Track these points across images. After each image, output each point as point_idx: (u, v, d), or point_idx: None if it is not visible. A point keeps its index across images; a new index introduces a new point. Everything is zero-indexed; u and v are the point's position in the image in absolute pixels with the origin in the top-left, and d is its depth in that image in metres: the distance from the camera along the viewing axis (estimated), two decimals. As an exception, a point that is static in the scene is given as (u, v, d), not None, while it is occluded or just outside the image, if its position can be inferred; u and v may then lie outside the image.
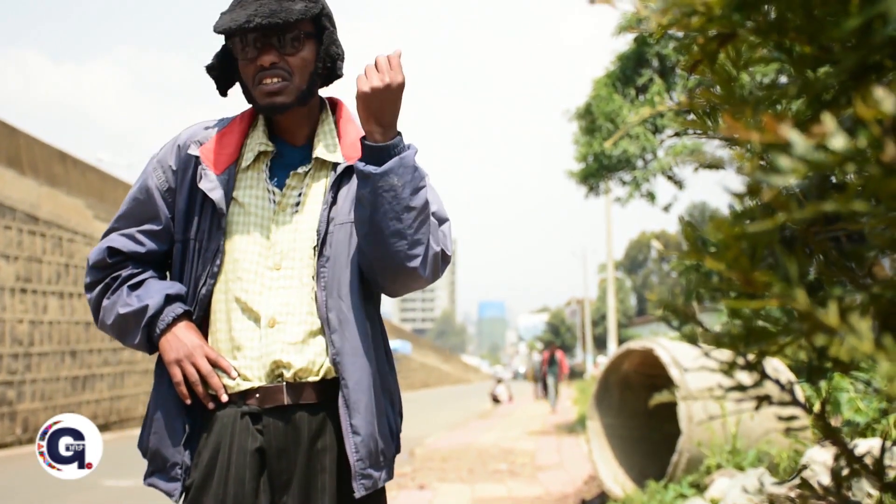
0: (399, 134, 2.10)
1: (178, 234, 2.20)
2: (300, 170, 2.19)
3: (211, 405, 2.12)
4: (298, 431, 2.10)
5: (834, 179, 0.99)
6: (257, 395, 2.10)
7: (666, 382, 6.93)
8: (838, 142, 0.73)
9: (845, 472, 1.08)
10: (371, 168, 2.02)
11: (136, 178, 2.33)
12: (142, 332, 2.14)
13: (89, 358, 17.35)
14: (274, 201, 2.18)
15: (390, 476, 2.20)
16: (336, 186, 2.17)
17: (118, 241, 2.21)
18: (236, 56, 2.14)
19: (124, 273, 2.20)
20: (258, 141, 2.20)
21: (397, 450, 2.27)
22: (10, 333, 14.88)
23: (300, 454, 2.09)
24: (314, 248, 2.15)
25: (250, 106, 2.25)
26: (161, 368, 2.17)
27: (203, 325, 2.20)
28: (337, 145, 2.21)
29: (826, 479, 1.13)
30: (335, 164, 2.20)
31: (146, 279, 2.20)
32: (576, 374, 51.26)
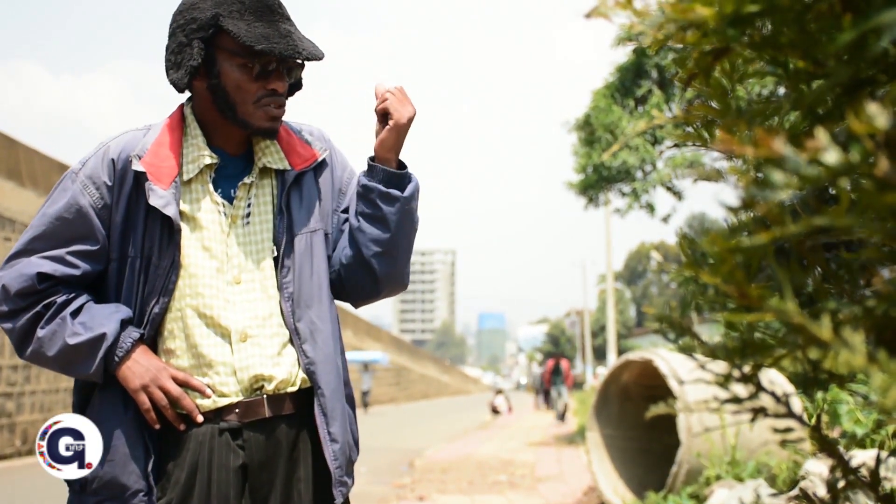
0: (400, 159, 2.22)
1: (114, 253, 2.08)
2: (247, 180, 2.15)
3: (182, 426, 2.05)
4: (279, 443, 2.09)
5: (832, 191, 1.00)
6: (237, 410, 2.07)
7: (665, 393, 6.93)
8: (832, 156, 0.74)
9: (841, 484, 1.09)
10: (397, 192, 2.15)
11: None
12: (99, 361, 2.01)
13: (88, 369, 17.34)
14: (224, 214, 2.13)
15: (353, 482, 2.21)
16: (287, 196, 2.16)
17: (47, 266, 2.04)
18: (229, 67, 2.06)
19: (59, 299, 2.05)
20: (200, 152, 2.12)
21: (357, 454, 2.27)
22: (9, 345, 14.86)
23: (280, 466, 2.08)
24: (273, 259, 2.14)
25: (178, 107, 2.20)
26: (101, 392, 2.08)
27: (151, 345, 2.12)
28: (281, 153, 2.20)
29: (823, 491, 1.13)
30: (279, 173, 2.18)
31: (84, 304, 2.07)
32: (576, 384, 51.17)
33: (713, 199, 0.89)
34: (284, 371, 2.10)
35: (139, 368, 2.03)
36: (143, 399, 2.02)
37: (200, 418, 2.05)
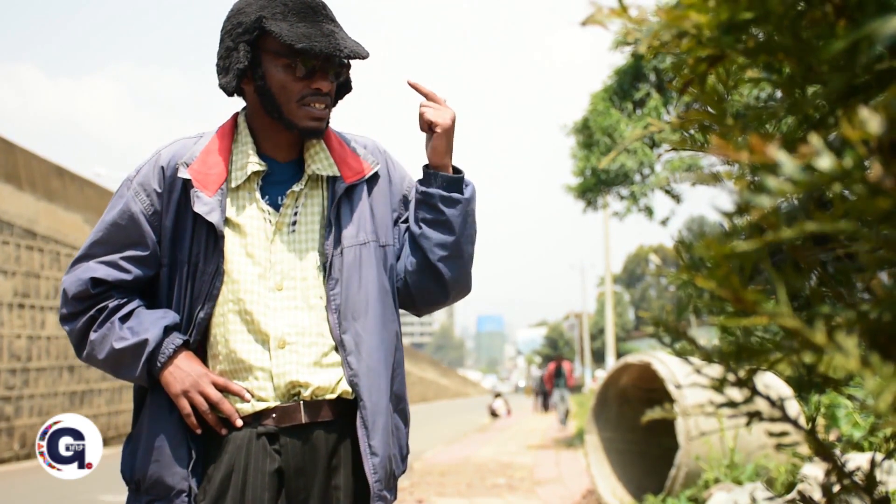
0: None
1: (165, 259, 2.14)
2: (295, 188, 2.17)
3: (224, 431, 2.08)
4: (316, 450, 2.09)
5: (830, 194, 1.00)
6: (274, 415, 2.08)
7: (664, 396, 6.94)
8: (825, 162, 0.74)
9: (836, 487, 1.09)
10: (458, 195, 2.22)
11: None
12: (142, 366, 2.06)
13: (87, 373, 17.31)
14: (270, 221, 2.15)
15: (395, 497, 2.21)
16: (337, 208, 2.17)
17: (101, 270, 2.12)
18: (274, 68, 2.08)
19: (111, 304, 2.12)
20: (248, 160, 2.15)
21: (405, 470, 2.27)
22: (7, 349, 14.85)
23: (318, 472, 2.08)
24: (318, 268, 2.15)
25: (231, 116, 2.24)
26: (152, 394, 2.12)
27: (199, 349, 2.16)
28: (331, 161, 2.21)
29: (820, 495, 1.14)
30: (331, 183, 2.20)
31: (135, 309, 2.13)
32: (575, 388, 51.11)
33: (712, 203, 0.90)
34: (322, 379, 2.10)
35: (180, 374, 2.06)
36: (184, 404, 2.05)
37: (240, 422, 2.07)
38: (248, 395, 2.08)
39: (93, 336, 2.12)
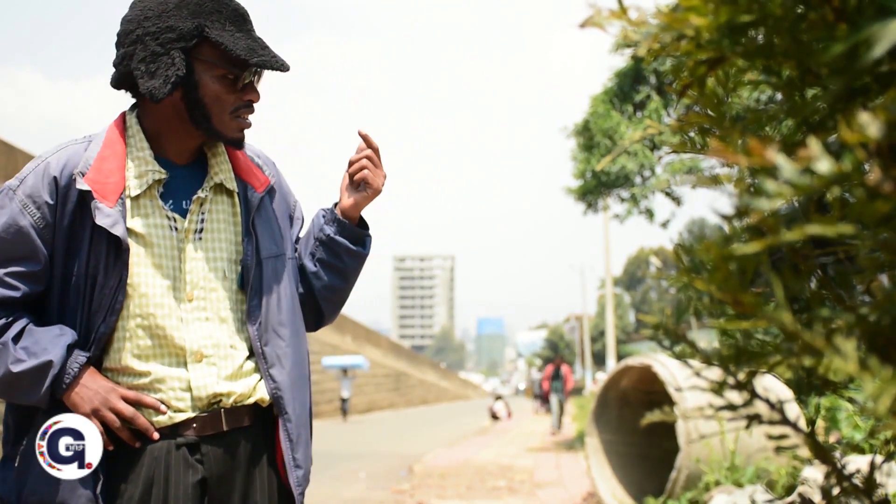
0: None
1: (57, 272, 1.98)
2: (201, 194, 2.10)
3: (137, 444, 1.98)
4: (236, 456, 2.05)
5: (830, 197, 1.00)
6: (195, 425, 2.01)
7: (664, 399, 6.94)
8: (824, 165, 0.74)
9: (836, 490, 1.09)
10: (360, 249, 2.32)
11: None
12: (46, 389, 1.92)
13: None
14: (176, 228, 2.06)
15: None
16: (251, 219, 2.14)
17: None
18: (209, 78, 2.01)
19: None
20: (147, 166, 2.05)
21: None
22: (8, 351, 14.85)
23: (238, 478, 2.05)
24: (228, 279, 2.10)
25: (118, 116, 2.13)
26: (46, 414, 1.96)
27: (97, 364, 2.02)
28: (231, 171, 2.18)
29: (819, 498, 1.14)
30: (241, 192, 2.16)
31: (25, 327, 1.97)
32: (575, 390, 51.14)
33: (712, 206, 0.90)
34: (242, 386, 2.07)
35: (88, 393, 1.96)
36: (95, 422, 1.95)
37: (157, 436, 1.99)
38: (163, 408, 1.99)
39: None
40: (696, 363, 1.07)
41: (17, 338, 1.95)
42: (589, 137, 16.28)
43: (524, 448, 16.78)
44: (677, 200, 16.70)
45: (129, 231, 2.00)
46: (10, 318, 1.96)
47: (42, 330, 1.97)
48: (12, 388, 1.96)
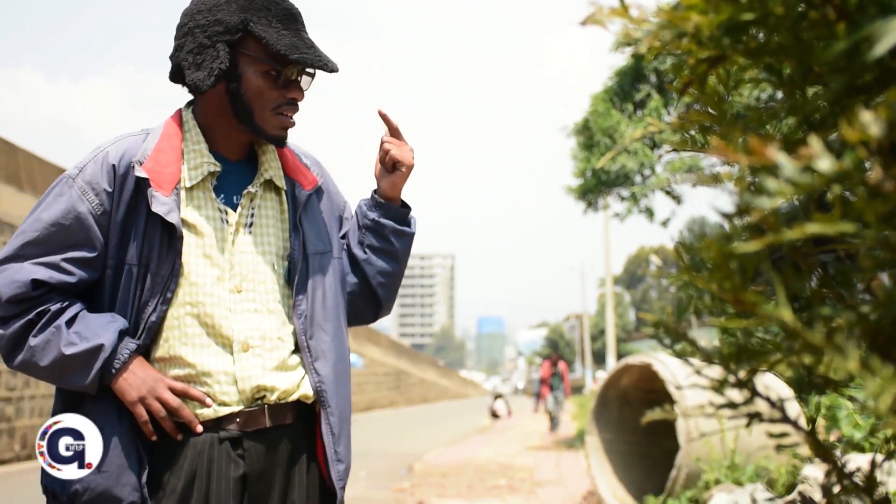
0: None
1: (111, 260, 2.02)
2: (251, 189, 2.14)
3: (180, 437, 2.01)
4: (277, 453, 2.07)
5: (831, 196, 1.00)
6: (238, 420, 2.04)
7: (664, 397, 6.94)
8: (825, 164, 0.74)
9: (836, 488, 1.09)
10: (408, 229, 2.35)
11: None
12: (95, 373, 1.95)
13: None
14: (227, 221, 2.11)
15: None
16: (299, 214, 2.20)
17: (41, 272, 1.98)
18: (253, 74, 2.05)
19: (52, 307, 1.98)
20: (202, 158, 2.10)
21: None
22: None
23: (278, 476, 2.07)
24: (276, 273, 2.14)
25: (175, 112, 2.18)
26: (95, 401, 2.01)
27: (146, 354, 2.06)
28: (280, 168, 2.23)
29: (819, 496, 1.14)
30: (289, 188, 2.21)
31: (79, 313, 2.00)
32: (575, 389, 51.16)
33: (712, 204, 0.90)
34: (287, 381, 2.09)
35: (136, 380, 1.98)
36: (141, 411, 1.97)
37: (200, 429, 2.01)
38: (209, 401, 2.02)
39: (33, 341, 1.98)
40: (696, 361, 1.07)
41: (70, 322, 1.99)
42: (589, 136, 16.28)
43: (524, 446, 16.79)
44: (678, 199, 16.69)
45: (182, 221, 2.05)
46: (66, 304, 2.01)
47: (95, 316, 2.01)
48: (63, 372, 1.98)
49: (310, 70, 2.09)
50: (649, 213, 16.88)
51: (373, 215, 2.30)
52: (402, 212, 2.34)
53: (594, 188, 16.81)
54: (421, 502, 9.03)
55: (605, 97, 16.32)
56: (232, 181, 2.15)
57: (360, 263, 2.31)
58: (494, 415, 29.92)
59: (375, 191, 2.34)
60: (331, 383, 2.13)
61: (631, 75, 16.27)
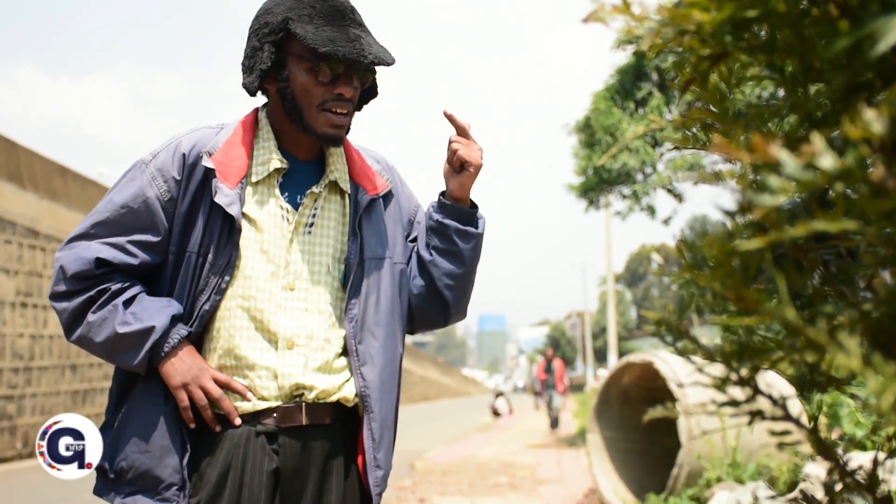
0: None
1: (173, 246, 2.10)
2: (315, 189, 2.16)
3: (218, 428, 2.05)
4: (312, 452, 2.08)
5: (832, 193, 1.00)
6: (275, 415, 2.06)
7: (666, 395, 6.93)
8: (827, 161, 0.74)
9: (838, 486, 1.09)
10: (473, 229, 2.28)
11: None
12: (145, 353, 2.01)
13: (89, 372, 17.32)
14: (288, 219, 2.14)
15: None
16: (359, 218, 2.19)
17: (106, 252, 2.06)
18: (297, 71, 2.07)
19: (113, 286, 2.06)
20: (270, 156, 2.14)
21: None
22: (10, 348, 14.85)
23: (312, 475, 2.08)
24: (331, 275, 2.15)
25: (252, 111, 2.23)
26: (144, 383, 2.07)
27: (198, 342, 2.13)
28: (346, 171, 2.23)
29: (821, 494, 1.14)
30: (353, 191, 2.21)
31: (137, 294, 2.08)
32: (576, 387, 51.16)
33: (714, 202, 0.90)
34: (326, 382, 2.10)
35: (182, 366, 2.03)
36: (183, 396, 2.02)
37: (238, 421, 2.05)
38: (249, 395, 2.05)
39: (91, 317, 2.05)
40: (698, 359, 1.07)
41: (128, 302, 2.06)
42: (590, 134, 16.27)
43: (526, 445, 16.79)
44: (679, 197, 16.68)
45: (244, 215, 2.10)
46: (126, 284, 2.09)
47: (152, 299, 2.08)
48: (115, 350, 2.05)
49: (359, 64, 2.06)
50: (651, 210, 16.88)
51: (437, 216, 2.27)
52: (467, 212, 2.28)
53: (595, 186, 16.81)
54: (422, 500, 9.03)
55: (607, 95, 16.31)
56: (299, 180, 2.18)
57: (427, 265, 2.28)
58: (496, 413, 29.91)
59: (443, 192, 2.31)
60: (376, 389, 2.13)
61: (632, 73, 16.26)
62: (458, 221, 2.26)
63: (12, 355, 14.92)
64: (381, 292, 2.19)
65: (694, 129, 1.20)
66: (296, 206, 2.16)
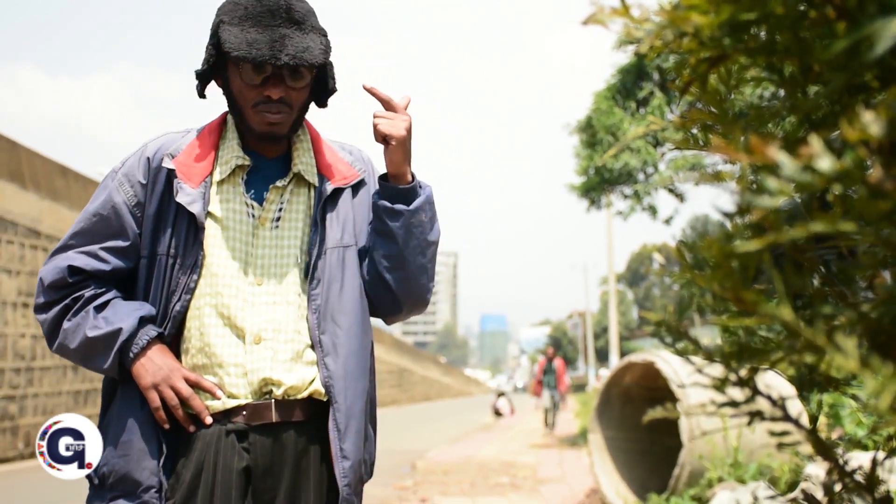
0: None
1: (144, 250, 2.11)
2: (279, 183, 2.16)
3: (192, 428, 2.06)
4: (285, 449, 2.07)
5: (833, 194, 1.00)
6: (244, 413, 2.06)
7: (667, 395, 6.93)
8: (825, 163, 0.74)
9: (838, 486, 1.10)
10: (402, 206, 2.15)
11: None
12: (114, 356, 2.04)
13: (91, 372, 17.31)
14: (253, 215, 2.14)
15: (360, 502, 2.19)
16: (322, 208, 2.18)
17: (79, 260, 2.10)
18: (232, 73, 2.08)
19: (87, 293, 2.10)
20: (233, 153, 2.15)
21: (370, 476, 2.25)
22: (12, 348, 14.86)
23: (286, 472, 2.06)
24: (298, 266, 2.14)
25: (221, 113, 2.23)
26: (123, 387, 2.09)
27: (173, 343, 2.14)
28: (314, 164, 2.22)
29: (821, 494, 1.14)
30: (320, 182, 2.19)
31: (111, 300, 2.11)
32: (578, 386, 51.16)
33: (714, 203, 0.90)
34: (296, 378, 2.08)
35: (152, 367, 2.04)
36: (154, 397, 2.02)
37: (209, 420, 2.05)
38: (219, 393, 2.06)
39: (66, 325, 2.09)
40: (698, 360, 1.08)
41: (101, 307, 2.09)
42: (592, 134, 16.27)
43: (527, 444, 16.79)
44: (680, 197, 16.69)
45: (209, 214, 2.12)
46: (101, 290, 2.12)
47: (125, 303, 2.11)
48: (88, 355, 2.08)
49: (287, 66, 2.02)
50: (652, 210, 16.89)
51: (373, 197, 2.23)
52: (397, 189, 2.17)
53: (597, 186, 16.82)
54: (424, 500, 9.03)
55: (608, 95, 16.31)
56: (266, 177, 2.18)
57: (370, 249, 2.23)
58: (497, 413, 29.91)
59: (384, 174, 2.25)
60: (339, 378, 2.10)
61: (634, 73, 16.27)
62: (388, 200, 2.17)
63: (14, 355, 14.92)
64: (346, 281, 2.16)
65: (694, 130, 1.20)
66: (262, 203, 2.16)
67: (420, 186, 2.21)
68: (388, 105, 2.18)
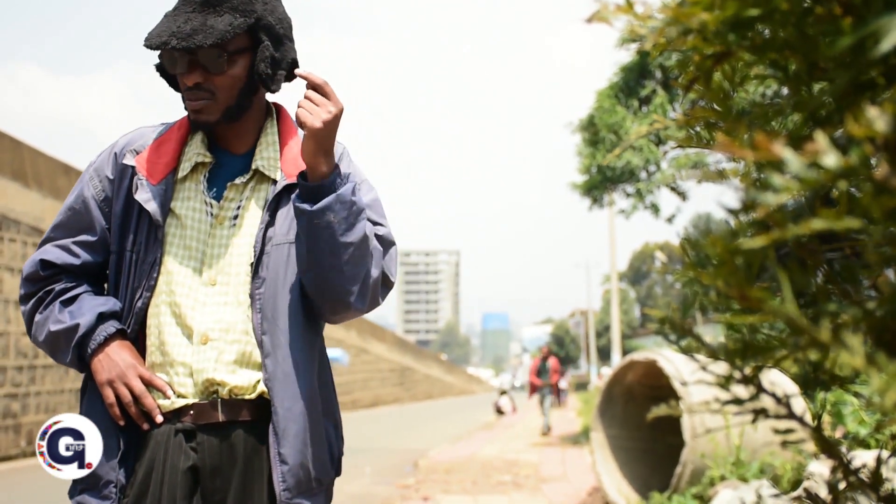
0: (337, 167, 2.04)
1: (113, 246, 2.11)
2: (237, 181, 2.11)
3: (145, 426, 2.04)
4: (234, 450, 2.03)
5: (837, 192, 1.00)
6: (191, 412, 2.03)
7: (669, 394, 6.93)
8: (831, 159, 0.74)
9: (842, 485, 1.09)
10: (306, 206, 1.97)
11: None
12: (72, 351, 2.05)
13: (93, 370, 17.32)
14: (211, 214, 2.11)
15: (328, 499, 2.15)
16: (275, 204, 2.10)
17: (52, 253, 2.11)
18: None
19: (57, 287, 2.11)
20: (196, 150, 2.12)
21: (337, 473, 2.18)
22: (14, 346, 14.87)
23: (235, 474, 2.02)
24: (250, 265, 2.08)
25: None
26: (91, 383, 2.08)
27: (138, 340, 2.12)
28: (277, 159, 2.15)
29: (826, 492, 1.14)
30: (275, 180, 2.13)
31: (80, 294, 2.11)
32: (580, 385, 51.16)
33: (718, 200, 0.90)
34: (240, 379, 2.05)
35: (108, 363, 2.03)
36: (108, 393, 2.02)
37: (160, 418, 2.03)
38: (169, 391, 2.04)
39: (37, 318, 2.11)
40: (701, 358, 1.07)
41: (68, 301, 2.10)
42: (594, 133, 16.28)
43: (529, 443, 16.80)
44: (683, 195, 16.69)
45: (171, 211, 2.10)
46: (71, 285, 2.13)
47: (90, 298, 2.11)
48: (53, 348, 2.10)
49: (187, 50, 1.98)
50: (654, 209, 16.89)
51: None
52: (307, 187, 2.00)
53: (599, 184, 16.82)
54: (426, 498, 9.04)
55: (611, 93, 16.31)
56: (230, 174, 2.14)
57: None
58: (499, 411, 29.91)
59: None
60: (277, 380, 2.03)
61: (636, 71, 16.26)
62: (297, 199, 2.01)
63: (16, 354, 14.93)
64: (289, 278, 2.08)
65: (697, 128, 1.20)
66: (220, 201, 2.12)
67: (337, 183, 2.01)
68: (320, 90, 2.00)
